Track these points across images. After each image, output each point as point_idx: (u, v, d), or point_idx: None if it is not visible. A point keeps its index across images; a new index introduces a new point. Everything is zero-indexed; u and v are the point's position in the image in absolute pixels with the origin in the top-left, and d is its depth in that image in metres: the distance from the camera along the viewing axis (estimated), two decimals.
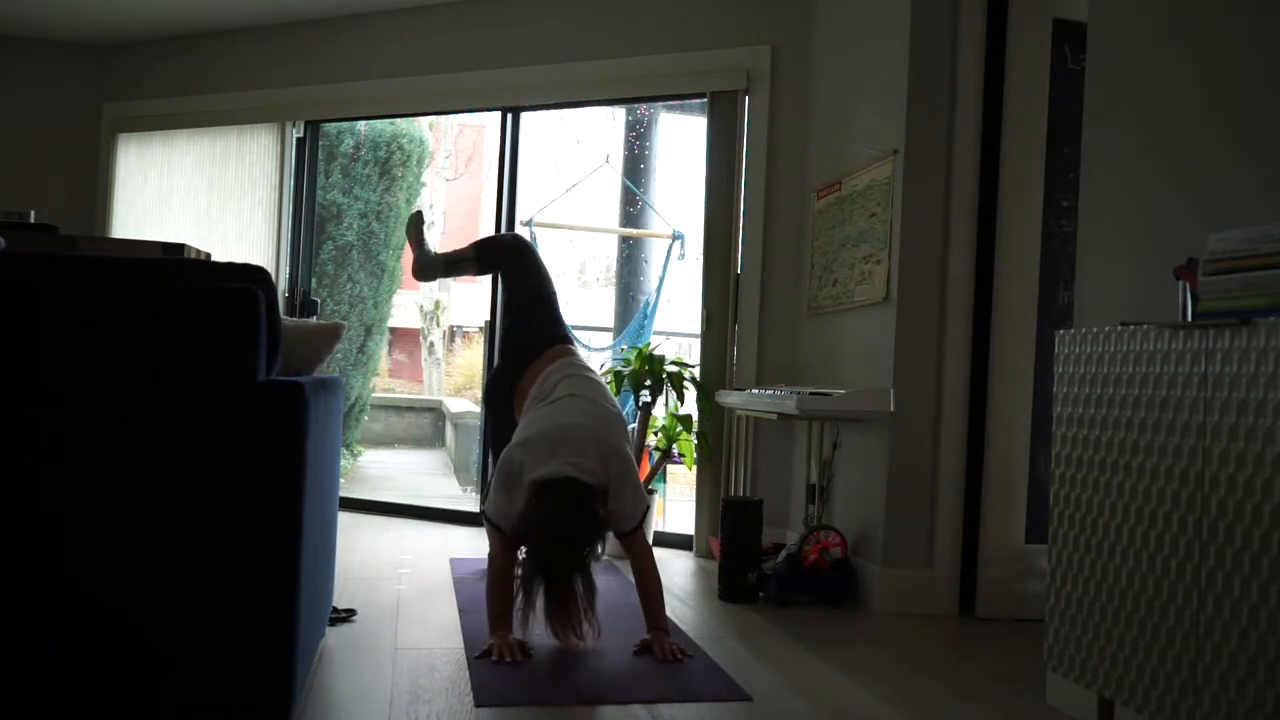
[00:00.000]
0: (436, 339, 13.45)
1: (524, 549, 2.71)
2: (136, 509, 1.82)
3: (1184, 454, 1.77)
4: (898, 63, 3.47)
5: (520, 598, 2.61)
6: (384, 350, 8.99)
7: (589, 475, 2.67)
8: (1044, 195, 3.40)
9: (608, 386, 3.19)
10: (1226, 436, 1.67)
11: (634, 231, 6.73)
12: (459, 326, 14.69)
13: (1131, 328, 1.93)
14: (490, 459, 3.87)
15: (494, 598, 2.72)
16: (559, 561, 2.58)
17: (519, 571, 2.76)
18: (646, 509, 2.89)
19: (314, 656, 2.49)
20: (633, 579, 2.85)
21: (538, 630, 2.66)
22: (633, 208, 6.82)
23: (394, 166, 8.06)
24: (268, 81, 5.43)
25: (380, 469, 8.78)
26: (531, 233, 5.65)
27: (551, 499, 2.61)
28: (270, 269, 4.85)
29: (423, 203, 12.29)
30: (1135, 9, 2.38)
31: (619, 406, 3.06)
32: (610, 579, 3.62)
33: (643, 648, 2.70)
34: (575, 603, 2.58)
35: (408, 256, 3.92)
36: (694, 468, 4.43)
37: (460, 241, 4.25)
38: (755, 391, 3.88)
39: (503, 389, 3.44)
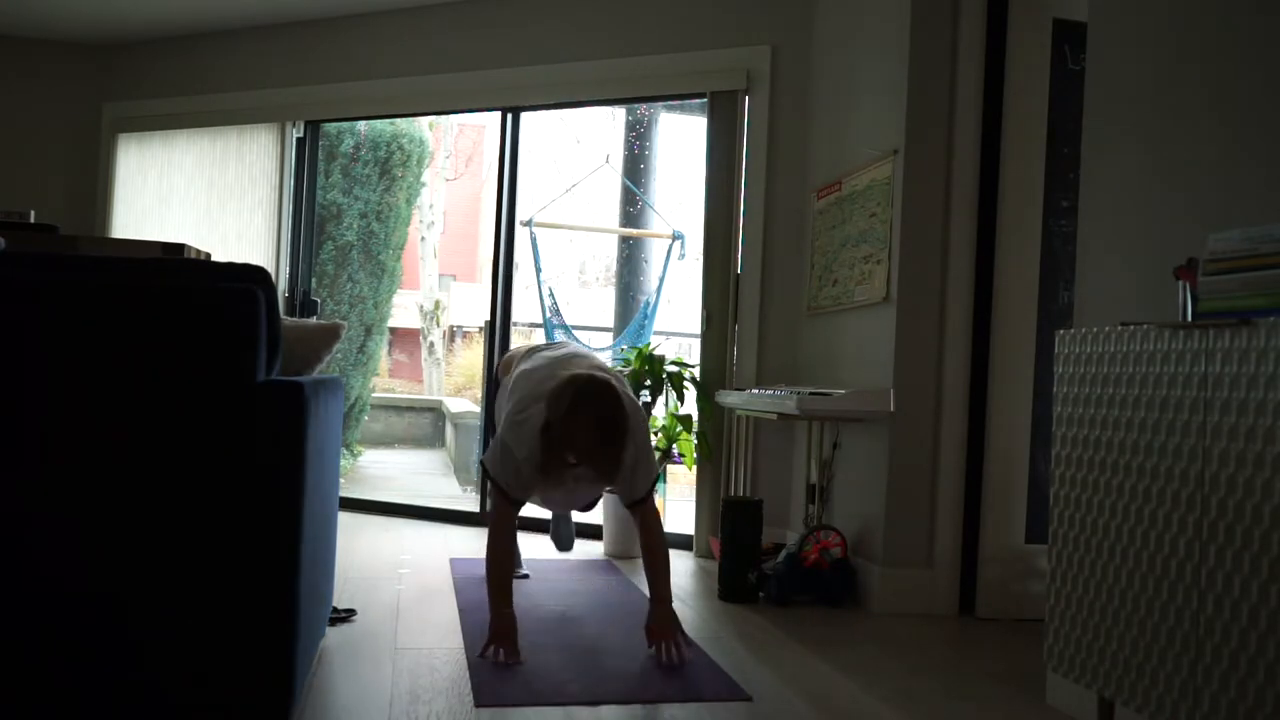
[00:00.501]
0: (436, 339, 13.46)
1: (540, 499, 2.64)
2: (136, 509, 1.82)
3: (1184, 454, 1.77)
4: (898, 63, 3.47)
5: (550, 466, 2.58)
6: (384, 350, 8.99)
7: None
8: (1044, 195, 3.40)
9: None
10: (1226, 436, 1.67)
11: (634, 231, 6.73)
12: (459, 326, 14.71)
13: (1131, 328, 1.93)
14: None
15: (494, 566, 2.68)
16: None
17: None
18: (656, 477, 2.86)
19: (314, 656, 2.49)
20: (633, 578, 2.85)
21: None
22: (633, 208, 6.82)
23: (394, 166, 8.06)
24: (268, 81, 5.43)
25: (380, 469, 8.78)
26: (531, 233, 5.65)
27: (575, 388, 2.57)
28: (270, 269, 4.85)
29: (423, 202, 12.25)
30: (1135, 9, 2.38)
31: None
32: (611, 578, 3.62)
33: (649, 638, 2.68)
34: (615, 428, 2.56)
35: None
36: (694, 468, 4.43)
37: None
38: (755, 391, 3.88)
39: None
